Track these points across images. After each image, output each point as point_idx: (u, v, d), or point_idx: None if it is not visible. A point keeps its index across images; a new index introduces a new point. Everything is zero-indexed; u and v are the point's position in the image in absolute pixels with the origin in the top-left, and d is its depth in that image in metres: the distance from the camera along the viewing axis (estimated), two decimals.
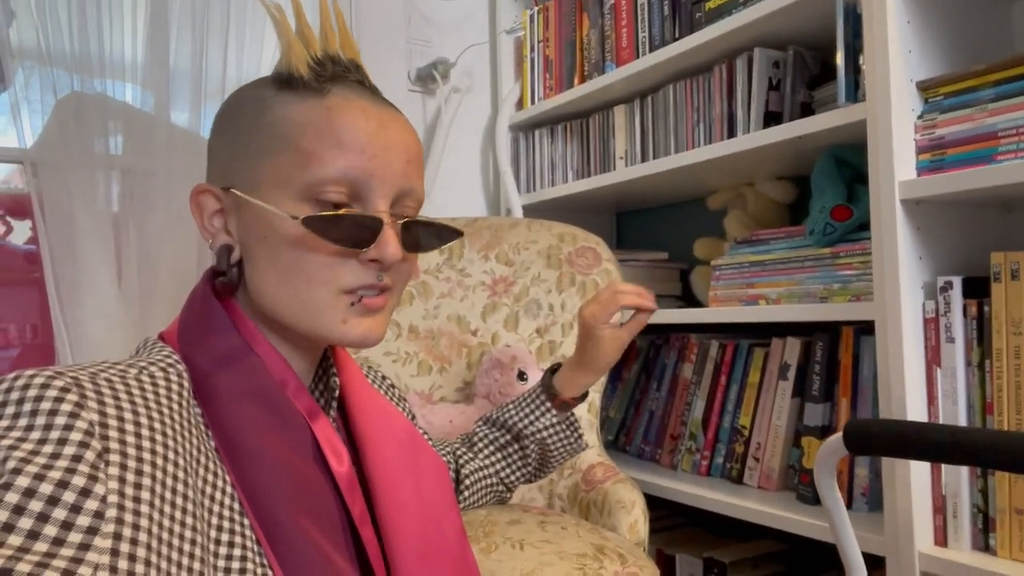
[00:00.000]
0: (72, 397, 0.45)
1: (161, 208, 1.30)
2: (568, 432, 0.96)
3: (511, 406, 0.97)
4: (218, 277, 0.60)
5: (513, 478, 0.98)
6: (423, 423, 1.24)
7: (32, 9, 1.27)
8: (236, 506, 0.53)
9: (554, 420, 0.95)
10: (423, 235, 0.62)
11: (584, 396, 0.96)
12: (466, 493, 0.94)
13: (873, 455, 0.62)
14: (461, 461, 0.95)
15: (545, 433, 0.95)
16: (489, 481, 0.97)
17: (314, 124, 0.56)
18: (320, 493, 0.57)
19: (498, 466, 0.97)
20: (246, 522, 0.53)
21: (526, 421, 0.95)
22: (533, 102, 1.69)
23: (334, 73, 0.59)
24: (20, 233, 1.46)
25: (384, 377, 0.83)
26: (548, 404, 0.95)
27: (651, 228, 1.78)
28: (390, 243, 0.57)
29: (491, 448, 0.97)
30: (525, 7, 1.73)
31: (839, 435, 0.63)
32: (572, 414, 0.97)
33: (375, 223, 0.57)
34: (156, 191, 1.31)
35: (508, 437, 0.97)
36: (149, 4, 1.35)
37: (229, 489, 0.53)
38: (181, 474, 0.49)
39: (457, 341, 1.39)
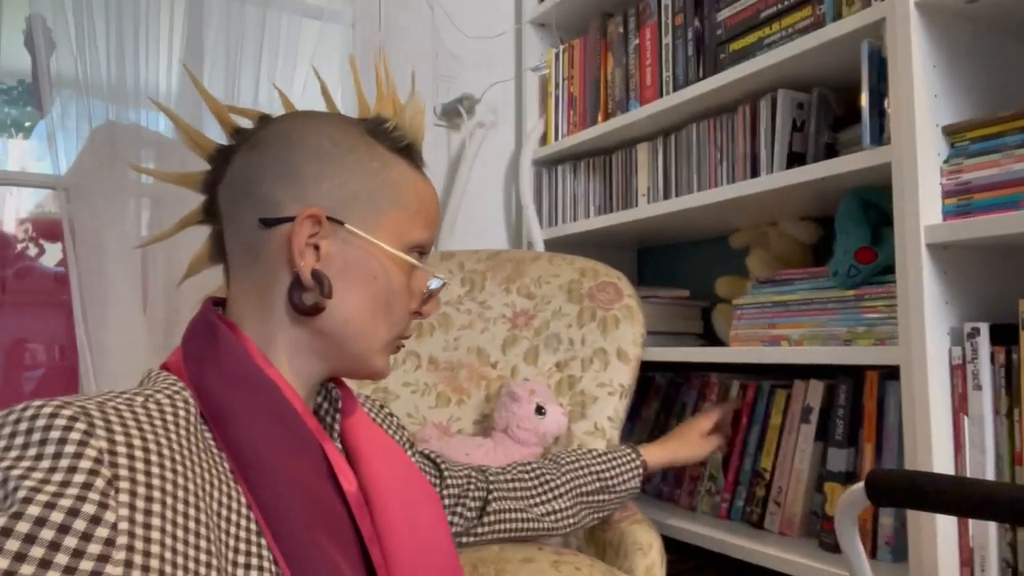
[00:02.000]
0: (80, 426, 0.46)
1: (188, 237, 1.32)
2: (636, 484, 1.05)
3: (602, 459, 1.03)
4: (294, 300, 0.62)
5: (568, 524, 0.99)
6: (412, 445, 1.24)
7: (72, 40, 1.31)
8: (253, 526, 0.54)
9: (639, 484, 1.04)
10: None
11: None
12: (487, 525, 0.93)
13: (896, 507, 0.60)
14: (493, 488, 0.94)
15: (628, 494, 1.03)
16: (527, 524, 0.96)
17: (423, 198, 0.68)
18: (334, 511, 0.59)
19: (567, 512, 0.99)
20: (263, 542, 0.54)
21: (621, 478, 1.02)
22: (557, 138, 1.70)
23: (408, 146, 0.69)
24: (51, 256, 1.49)
25: (382, 407, 0.85)
26: (639, 468, 1.04)
27: (673, 265, 1.78)
28: (438, 304, 0.71)
29: (566, 489, 0.99)
30: (551, 45, 1.76)
31: (861, 485, 0.62)
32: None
33: (439, 287, 0.70)
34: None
35: (597, 486, 1.01)
36: (185, 36, 1.39)
37: (245, 510, 0.54)
38: (192, 498, 0.50)
39: (476, 373, 1.38)
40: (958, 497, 0.52)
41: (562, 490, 0.98)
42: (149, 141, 1.36)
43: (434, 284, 0.69)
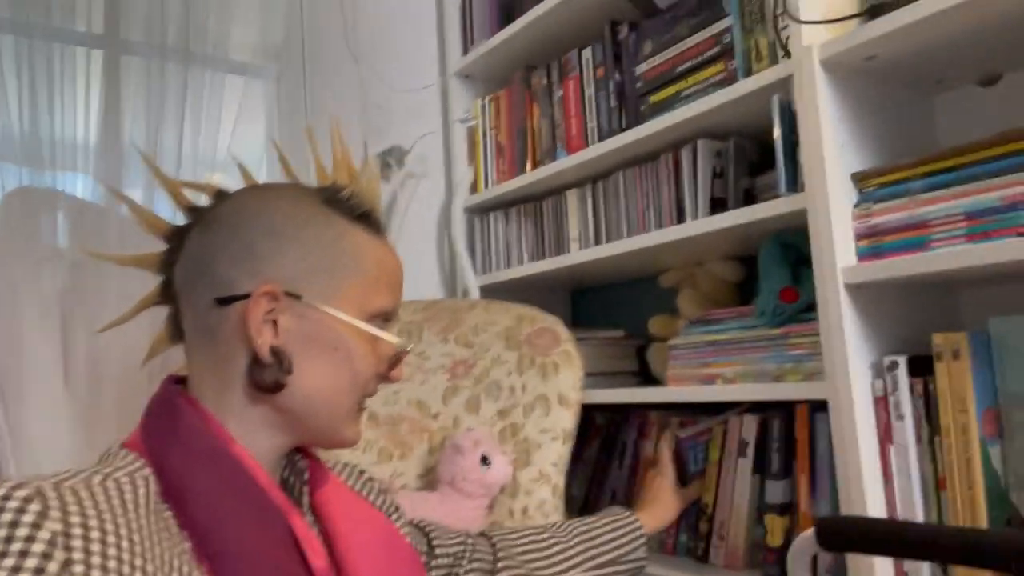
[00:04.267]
0: (35, 507, 0.45)
1: (111, 304, 1.27)
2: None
3: (611, 527, 1.01)
4: (254, 378, 0.61)
5: None
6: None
7: None
8: None
9: (644, 553, 1.03)
10: None
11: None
12: None
13: (845, 551, 0.64)
14: (501, 557, 0.91)
15: (635, 566, 1.01)
16: None
17: (383, 264, 0.68)
18: None
19: None
20: None
21: (630, 546, 1.01)
22: (487, 186, 1.73)
23: (367, 213, 0.70)
24: None
25: (362, 472, 0.83)
26: (644, 539, 1.03)
27: (606, 305, 1.82)
28: (403, 369, 0.70)
29: (581, 560, 0.96)
30: (476, 96, 1.80)
31: (812, 532, 0.65)
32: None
33: (405, 353, 0.70)
34: (107, 284, 1.28)
35: (610, 556, 0.99)
36: (103, 92, 1.36)
37: None
38: None
39: (418, 426, 1.37)
40: (902, 542, 0.55)
41: (577, 560, 0.96)
42: (66, 203, 1.31)
43: (399, 348, 0.69)
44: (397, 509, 0.83)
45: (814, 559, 1.08)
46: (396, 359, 0.69)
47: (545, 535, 0.98)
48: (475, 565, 0.88)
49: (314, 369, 0.62)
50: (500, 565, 0.90)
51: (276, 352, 0.61)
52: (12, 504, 0.44)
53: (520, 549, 0.94)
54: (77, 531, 0.46)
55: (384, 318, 0.68)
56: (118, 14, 1.37)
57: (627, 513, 1.05)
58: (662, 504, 1.11)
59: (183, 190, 0.74)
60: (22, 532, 0.43)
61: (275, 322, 0.61)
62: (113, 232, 1.33)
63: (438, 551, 0.87)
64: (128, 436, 0.62)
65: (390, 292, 0.68)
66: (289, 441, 0.65)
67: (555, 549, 0.96)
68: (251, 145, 1.62)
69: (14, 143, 1.27)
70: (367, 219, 0.69)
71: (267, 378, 0.60)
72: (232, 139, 1.50)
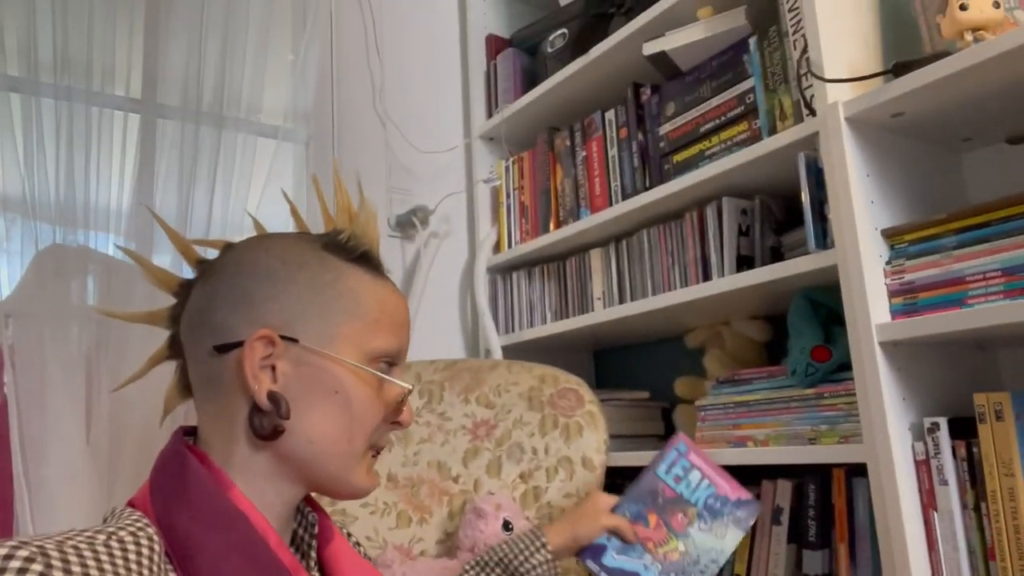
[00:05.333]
0: (37, 567, 0.44)
1: (135, 362, 1.26)
2: (559, 571, 0.99)
3: (503, 545, 0.99)
4: (254, 425, 0.60)
5: None
6: None
7: (20, 159, 1.29)
8: None
9: (549, 557, 0.97)
10: None
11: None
12: None
13: None
14: None
15: (540, 570, 0.96)
16: None
17: (384, 304, 0.66)
18: None
19: None
20: None
21: (520, 558, 0.96)
22: (510, 246, 1.73)
23: (365, 254, 0.69)
24: None
25: (350, 535, 0.81)
26: (543, 540, 0.98)
27: (630, 366, 1.79)
28: (411, 412, 0.68)
29: None
30: (500, 157, 1.82)
31: None
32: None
33: (408, 394, 0.67)
34: (131, 344, 1.28)
35: (499, 571, 0.97)
36: (138, 155, 1.39)
37: None
38: None
39: (438, 489, 1.34)
40: None
41: None
42: (96, 262, 1.33)
43: (402, 389, 0.67)
44: None
45: None
46: (400, 402, 0.67)
47: (470, 569, 0.99)
48: None
49: (314, 413, 0.61)
50: None
51: (273, 397, 0.60)
52: (14, 564, 0.43)
53: None
54: None
55: (388, 361, 0.66)
56: (155, 79, 1.42)
57: (531, 529, 1.02)
58: (576, 516, 1.04)
59: (194, 247, 0.75)
60: None
61: (273, 368, 0.61)
62: (141, 290, 1.34)
63: None
64: (136, 492, 0.61)
65: (392, 333, 0.66)
66: (298, 492, 0.63)
67: None
68: (281, 206, 1.65)
69: (49, 203, 1.30)
70: (366, 259, 0.67)
71: (266, 424, 0.59)
72: (262, 200, 1.52)
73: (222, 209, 1.47)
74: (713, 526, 1.03)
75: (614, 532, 1.03)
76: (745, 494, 1.05)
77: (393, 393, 0.65)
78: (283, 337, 0.61)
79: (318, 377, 0.61)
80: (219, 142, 1.47)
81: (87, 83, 1.34)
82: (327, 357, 0.61)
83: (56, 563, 0.45)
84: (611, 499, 1.07)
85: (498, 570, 0.96)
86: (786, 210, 1.29)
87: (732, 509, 1.04)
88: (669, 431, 1.57)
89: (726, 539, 1.03)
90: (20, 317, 1.23)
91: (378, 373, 0.64)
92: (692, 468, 1.06)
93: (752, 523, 1.05)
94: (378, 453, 0.67)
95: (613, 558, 1.02)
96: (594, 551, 1.03)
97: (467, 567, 0.98)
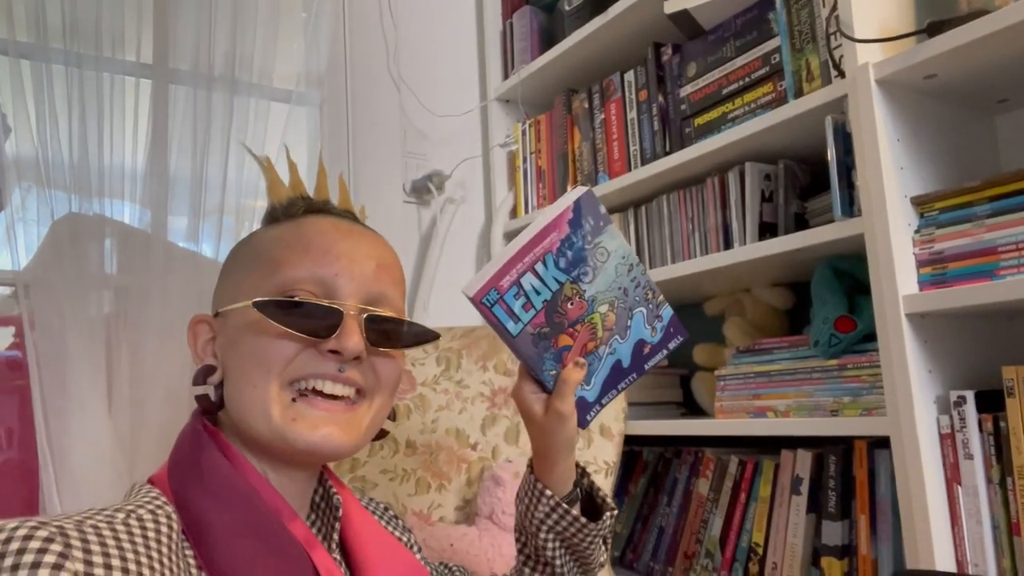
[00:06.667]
0: (56, 547, 0.44)
1: (154, 330, 1.28)
2: (573, 515, 0.74)
3: (516, 501, 0.79)
4: (205, 409, 0.62)
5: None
6: (422, 547, 1.18)
7: (33, 127, 1.28)
8: None
9: (553, 503, 0.74)
10: (393, 331, 0.62)
11: (582, 478, 0.79)
12: None
13: None
14: None
15: (551, 520, 0.74)
16: None
17: (285, 237, 0.62)
18: None
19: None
20: None
21: (528, 516, 0.76)
22: (527, 211, 1.71)
23: (310, 207, 0.66)
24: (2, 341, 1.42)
25: (387, 508, 0.81)
26: (540, 486, 0.74)
27: None
28: (353, 334, 0.58)
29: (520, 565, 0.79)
30: (517, 121, 1.79)
31: None
32: (582, 471, 0.79)
33: (334, 313, 0.58)
34: (150, 312, 1.29)
35: (530, 541, 0.78)
36: (151, 121, 1.38)
37: None
38: None
39: (456, 456, 1.34)
40: None
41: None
42: (112, 231, 1.33)
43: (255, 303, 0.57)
44: (420, 549, 0.81)
45: None
46: (328, 324, 0.57)
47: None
48: None
49: (233, 373, 0.61)
50: None
51: (208, 370, 0.62)
52: (33, 544, 0.43)
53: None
54: (100, 572, 0.45)
55: (310, 284, 0.59)
56: (167, 45, 1.40)
57: (527, 473, 0.78)
58: (550, 438, 0.73)
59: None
60: (43, 573, 0.43)
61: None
62: (159, 258, 1.34)
63: None
64: (157, 470, 0.61)
65: (304, 256, 0.59)
66: (285, 461, 0.61)
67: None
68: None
69: (64, 171, 1.29)
70: (284, 213, 0.66)
71: (205, 402, 0.62)
72: (276, 165, 1.50)
73: (236, 175, 1.46)
74: (585, 269, 0.73)
75: (571, 395, 0.73)
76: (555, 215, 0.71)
77: (307, 314, 0.57)
78: (215, 315, 0.64)
79: (229, 337, 0.61)
80: (232, 107, 1.45)
81: (97, 49, 1.33)
82: (226, 314, 0.62)
83: (75, 543, 0.45)
84: (538, 398, 0.73)
85: (525, 534, 0.79)
86: (811, 176, 1.26)
87: (572, 248, 0.71)
88: (688, 398, 1.55)
89: (608, 255, 0.73)
90: (38, 287, 1.23)
91: (242, 303, 0.58)
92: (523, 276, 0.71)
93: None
94: (314, 393, 0.58)
95: (583, 390, 0.76)
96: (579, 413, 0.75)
97: (515, 535, 0.81)
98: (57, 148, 1.29)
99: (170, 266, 1.34)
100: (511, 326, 0.70)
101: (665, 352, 0.81)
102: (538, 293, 0.71)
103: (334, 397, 0.59)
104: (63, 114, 1.30)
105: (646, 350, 0.80)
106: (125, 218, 1.35)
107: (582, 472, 0.79)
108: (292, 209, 0.65)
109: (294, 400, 0.58)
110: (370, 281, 0.61)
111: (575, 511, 0.74)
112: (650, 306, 0.79)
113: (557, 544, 0.75)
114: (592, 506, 0.79)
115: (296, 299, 0.58)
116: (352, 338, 0.57)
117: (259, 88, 1.49)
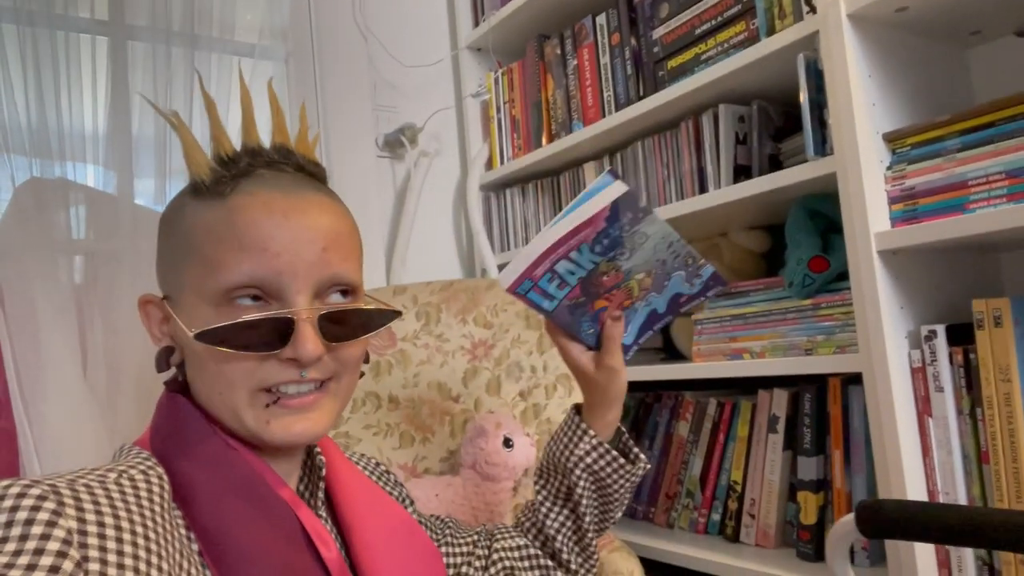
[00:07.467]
0: (49, 505, 0.44)
1: (126, 293, 1.26)
2: (614, 454, 0.77)
3: (551, 442, 0.82)
4: (175, 391, 0.60)
5: (565, 539, 0.80)
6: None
7: None
8: None
9: (595, 442, 0.77)
10: (352, 322, 0.59)
11: (620, 434, 0.82)
12: (493, 566, 0.80)
13: (886, 537, 0.60)
14: (496, 536, 0.83)
15: (590, 458, 0.77)
16: (522, 560, 0.81)
17: (215, 230, 0.55)
18: None
19: (550, 531, 0.81)
20: None
21: (567, 453, 0.78)
22: (502, 162, 1.69)
23: (243, 169, 0.58)
24: None
25: (378, 464, 0.81)
26: (584, 426, 0.77)
27: None
28: (307, 340, 0.54)
29: (542, 509, 0.81)
30: (489, 69, 1.75)
31: (851, 517, 0.61)
32: (620, 428, 0.81)
33: (284, 322, 0.54)
34: (121, 275, 1.27)
35: (559, 480, 0.80)
36: (109, 74, 1.34)
37: None
38: None
39: (439, 409, 1.35)
40: (947, 528, 0.52)
41: (547, 504, 0.82)
42: (77, 195, 1.30)
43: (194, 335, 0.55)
44: (412, 503, 0.81)
45: None
46: (280, 334, 0.54)
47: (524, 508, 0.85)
48: (482, 551, 0.82)
49: (192, 369, 0.59)
50: (494, 541, 0.82)
51: (168, 352, 0.60)
52: (27, 502, 0.43)
53: (513, 523, 0.86)
54: (93, 529, 0.45)
55: (252, 294, 0.55)
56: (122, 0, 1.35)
57: (569, 413, 0.82)
58: (601, 389, 0.78)
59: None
60: (37, 530, 0.43)
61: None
62: (127, 222, 1.31)
63: (451, 548, 0.82)
64: (141, 434, 0.61)
65: (240, 256, 0.54)
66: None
67: (530, 508, 0.84)
68: (263, 126, 1.59)
69: (22, 134, 1.26)
70: (200, 187, 0.58)
71: (174, 385, 0.60)
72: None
73: (201, 131, 1.42)
74: (623, 251, 0.73)
75: (619, 350, 0.78)
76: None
77: (258, 331, 0.54)
78: (164, 297, 0.60)
79: (182, 340, 0.59)
80: (193, 63, 1.40)
81: (48, 6, 1.27)
82: (176, 311, 0.57)
83: (68, 500, 0.45)
84: (587, 356, 0.78)
85: (555, 473, 0.81)
86: (785, 117, 1.25)
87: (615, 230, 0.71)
88: (667, 344, 1.57)
89: (647, 238, 0.73)
90: (5, 255, 1.21)
91: (186, 330, 0.55)
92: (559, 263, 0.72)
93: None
94: (284, 395, 0.56)
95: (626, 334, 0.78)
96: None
97: (535, 478, 0.84)
98: (13, 111, 1.25)
99: (139, 229, 1.32)
100: (546, 305, 0.72)
101: (703, 299, 0.82)
102: (573, 274, 0.72)
103: (301, 393, 0.57)
104: (17, 75, 1.26)
105: (683, 300, 0.81)
106: (89, 181, 1.32)
107: (620, 430, 0.82)
108: (219, 187, 0.57)
109: (267, 406, 0.56)
110: (317, 268, 0.56)
111: (615, 452, 0.78)
112: (690, 269, 0.79)
113: (589, 483, 0.79)
114: (625, 460, 0.81)
115: (241, 320, 0.54)
116: (307, 344, 0.54)
117: (220, 43, 1.45)
